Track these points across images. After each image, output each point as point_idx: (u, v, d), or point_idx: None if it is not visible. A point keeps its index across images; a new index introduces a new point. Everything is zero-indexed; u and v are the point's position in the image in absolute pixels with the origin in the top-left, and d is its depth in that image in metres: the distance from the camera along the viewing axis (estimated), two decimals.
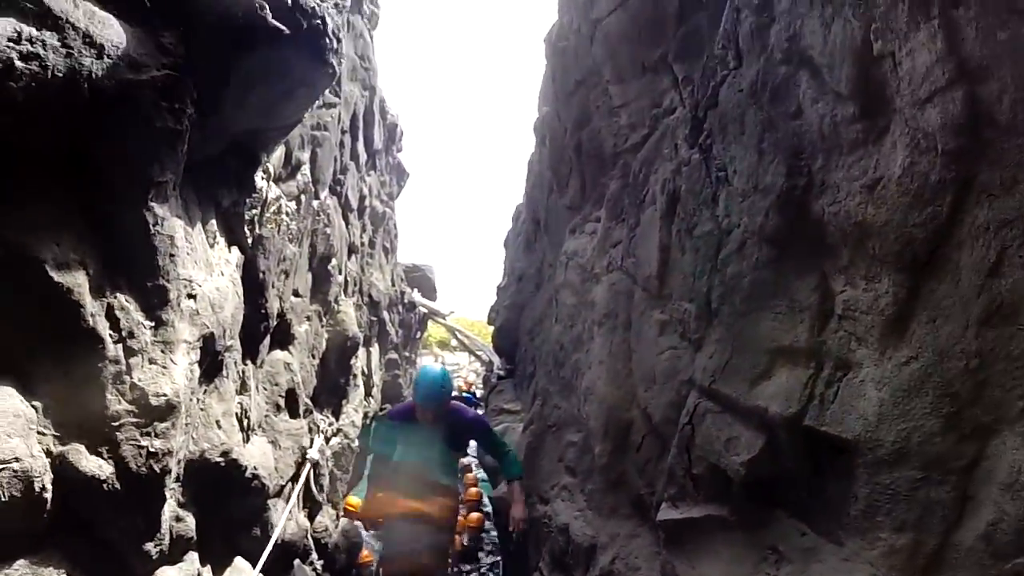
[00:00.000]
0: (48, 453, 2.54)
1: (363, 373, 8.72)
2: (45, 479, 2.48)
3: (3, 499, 2.28)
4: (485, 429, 5.45)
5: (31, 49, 2.22)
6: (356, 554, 6.86)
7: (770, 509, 3.00)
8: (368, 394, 9.20)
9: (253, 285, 4.43)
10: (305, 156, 5.32)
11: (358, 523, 7.12)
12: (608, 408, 4.58)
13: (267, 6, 2.96)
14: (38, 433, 2.51)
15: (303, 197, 5.29)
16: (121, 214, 2.85)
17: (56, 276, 2.53)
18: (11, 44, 2.16)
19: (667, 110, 4.35)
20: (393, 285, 12.74)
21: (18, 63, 2.19)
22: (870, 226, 2.42)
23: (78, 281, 2.62)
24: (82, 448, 2.65)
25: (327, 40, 3.45)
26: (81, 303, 2.62)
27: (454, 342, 22.20)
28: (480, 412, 8.74)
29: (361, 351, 8.84)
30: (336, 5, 3.52)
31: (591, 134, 5.73)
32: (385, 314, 10.12)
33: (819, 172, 2.70)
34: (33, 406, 2.53)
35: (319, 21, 3.34)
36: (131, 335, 2.84)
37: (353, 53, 7.07)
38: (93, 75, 2.45)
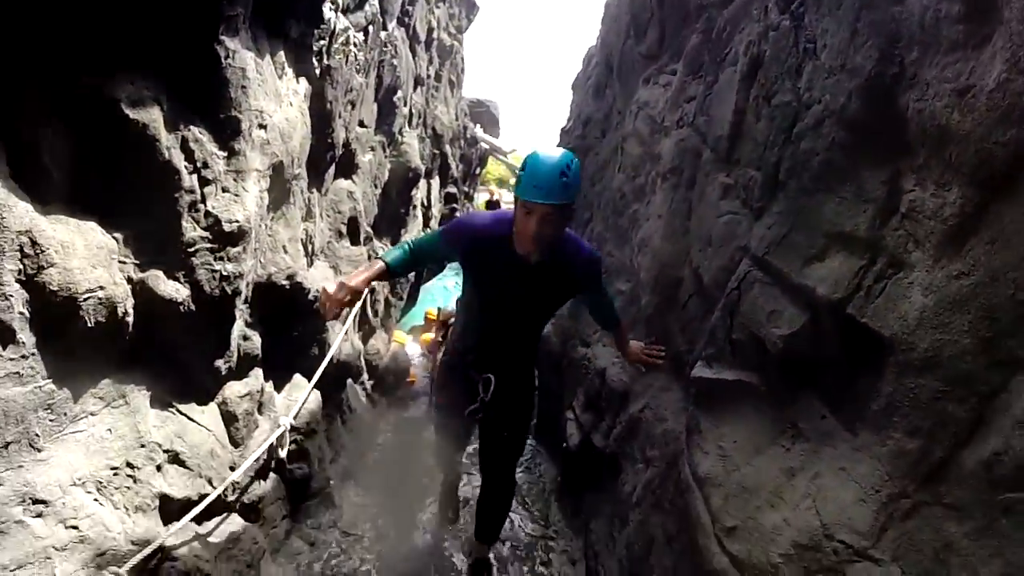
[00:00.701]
0: (129, 280, 2.77)
1: (423, 204, 8.91)
2: (127, 304, 2.73)
3: (89, 324, 2.52)
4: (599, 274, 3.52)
5: None
6: (404, 377, 7.39)
7: (799, 388, 3.06)
8: (427, 225, 9.45)
9: (320, 115, 4.49)
10: None
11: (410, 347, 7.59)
12: (661, 263, 4.61)
13: None
14: (119, 262, 2.73)
15: (371, 28, 5.18)
16: (193, 49, 2.89)
17: (132, 113, 2.64)
18: None
19: None
20: (457, 119, 12.65)
21: None
22: (953, 133, 2.31)
23: (153, 117, 2.72)
24: (160, 274, 2.89)
25: None
26: (157, 137, 2.74)
27: (512, 180, 22.11)
28: None
29: (422, 183, 9.00)
30: None
31: None
32: (448, 147, 10.13)
33: (912, 65, 2.53)
34: (114, 237, 2.73)
35: None
36: (205, 165, 2.99)
37: None
38: None
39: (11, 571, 2.15)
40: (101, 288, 2.54)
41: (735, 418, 3.37)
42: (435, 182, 9.78)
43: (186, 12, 2.81)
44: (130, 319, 2.76)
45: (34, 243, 2.24)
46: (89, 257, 2.52)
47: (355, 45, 4.81)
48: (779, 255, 3.20)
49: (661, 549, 3.71)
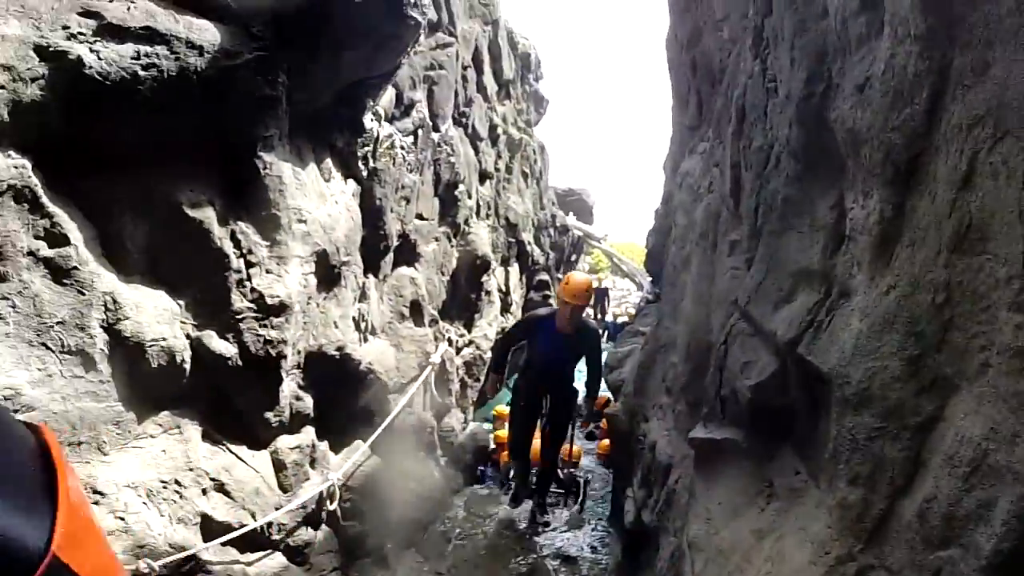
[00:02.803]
0: (188, 336, 3.43)
1: (499, 290, 9.44)
2: (185, 355, 3.38)
3: (154, 365, 3.20)
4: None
5: (149, 61, 3.04)
6: (482, 455, 7.60)
7: (778, 442, 2.94)
8: (506, 310, 9.94)
9: (371, 211, 5.16)
10: (419, 95, 5.92)
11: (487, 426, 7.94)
12: (692, 328, 4.55)
13: None
14: (180, 322, 3.41)
15: (420, 131, 5.94)
16: (238, 163, 3.65)
17: (191, 212, 3.42)
18: (134, 60, 2.98)
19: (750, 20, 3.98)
20: (542, 208, 13.33)
21: (141, 72, 3.02)
22: (859, 132, 2.26)
23: (208, 215, 3.49)
24: (213, 334, 3.53)
25: None
26: (211, 230, 3.49)
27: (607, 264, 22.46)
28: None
29: (499, 270, 9.56)
30: None
31: (703, 51, 5.50)
32: (525, 235, 10.73)
33: (836, 76, 2.49)
34: (178, 303, 3.43)
35: None
36: (250, 252, 3.65)
37: None
38: (198, 68, 3.22)
39: None
40: (164, 340, 3.26)
41: (724, 480, 3.26)
42: (513, 269, 10.34)
43: (230, 135, 3.58)
44: (187, 366, 3.41)
45: (115, 301, 3.04)
46: (156, 315, 3.25)
47: (403, 148, 5.51)
48: (756, 303, 3.15)
49: None
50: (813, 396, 2.56)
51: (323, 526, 4.30)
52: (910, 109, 1.94)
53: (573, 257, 17.79)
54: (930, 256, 1.86)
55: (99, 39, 2.89)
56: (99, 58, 2.87)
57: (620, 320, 16.56)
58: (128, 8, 3.01)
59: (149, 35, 3.05)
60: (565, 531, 6.29)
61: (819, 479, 2.46)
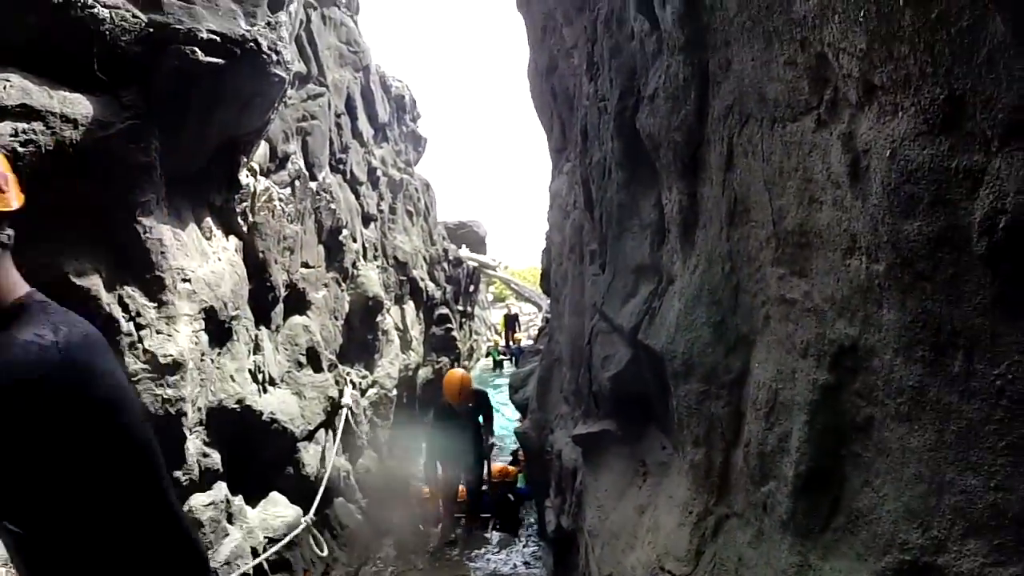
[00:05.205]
0: None
1: (396, 328, 9.59)
2: None
3: None
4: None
5: (27, 137, 3.13)
6: (402, 494, 7.56)
7: (644, 423, 3.22)
8: (407, 347, 10.08)
9: (255, 264, 5.26)
10: (293, 147, 6.10)
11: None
12: (572, 338, 4.87)
13: (198, 50, 3.67)
14: None
15: (297, 182, 6.11)
16: (119, 229, 3.72)
17: (78, 280, 3.46)
18: (12, 138, 3.07)
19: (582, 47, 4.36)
20: (433, 244, 13.58)
21: (20, 148, 3.11)
22: (655, 136, 2.55)
23: (94, 282, 3.54)
24: None
25: (264, 56, 4.12)
26: (99, 297, 3.54)
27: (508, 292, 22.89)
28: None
29: (394, 309, 9.71)
30: (269, 24, 4.18)
31: (559, 78, 5.87)
32: (416, 272, 10.93)
33: (643, 90, 2.77)
34: None
35: (252, 44, 3.99)
36: (139, 314, 3.71)
37: (337, 41, 7.77)
38: (73, 141, 3.31)
39: None
40: None
41: (606, 469, 3.50)
42: (408, 306, 10.52)
43: (109, 203, 3.65)
44: None
45: None
46: None
47: (280, 200, 5.66)
48: (608, 302, 3.45)
49: None
50: (660, 376, 2.78)
51: None
52: (684, 110, 2.27)
53: (471, 288, 18.08)
54: (715, 233, 2.18)
55: None
56: None
57: (524, 344, 16.94)
58: (4, 87, 3.08)
59: (26, 112, 3.13)
60: (498, 552, 6.50)
61: (678, 449, 2.70)
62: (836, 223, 1.49)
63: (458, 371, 7.73)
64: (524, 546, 6.65)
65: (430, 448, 7.26)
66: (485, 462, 7.37)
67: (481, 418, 7.33)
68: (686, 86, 2.25)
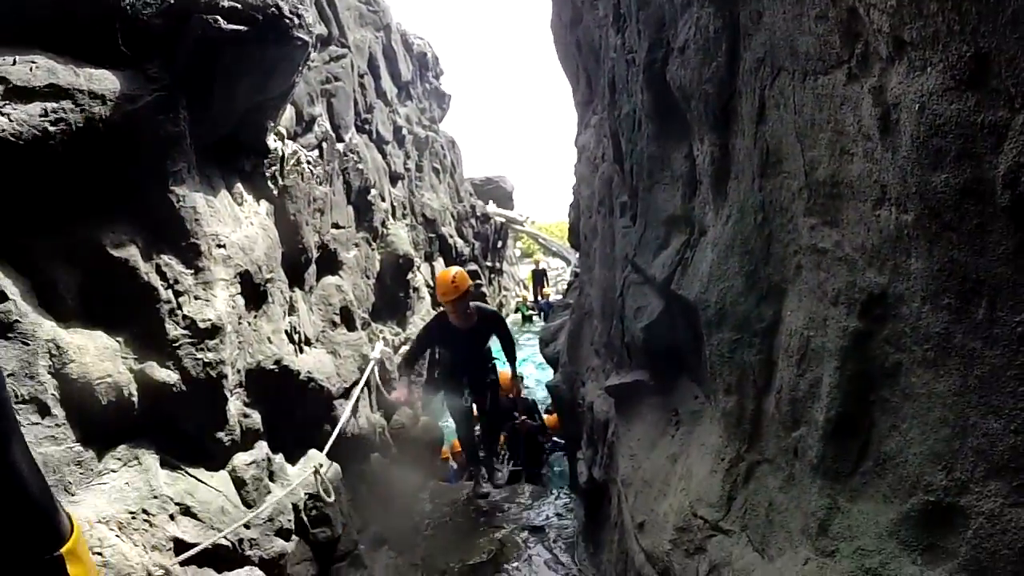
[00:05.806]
0: (130, 370, 3.58)
1: (427, 285, 9.70)
2: (131, 387, 3.54)
3: (103, 402, 3.36)
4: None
5: (57, 116, 3.19)
6: (437, 448, 7.93)
7: (677, 373, 3.25)
8: (437, 304, 10.20)
9: (287, 227, 5.35)
10: (319, 109, 6.13)
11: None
12: (603, 291, 4.86)
13: (220, 19, 3.68)
14: (122, 357, 3.56)
15: (324, 144, 6.15)
16: (153, 200, 3.80)
17: (115, 252, 3.58)
18: (43, 118, 3.15)
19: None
20: (460, 201, 13.61)
21: (51, 128, 3.18)
22: (686, 88, 2.57)
23: (132, 253, 3.65)
24: (154, 363, 3.68)
25: (286, 20, 4.12)
26: (136, 267, 3.65)
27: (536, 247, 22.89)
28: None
29: (424, 266, 9.81)
30: None
31: (584, 30, 5.80)
32: (445, 229, 10.99)
33: (672, 42, 2.77)
34: (117, 340, 3.58)
35: (273, 8, 3.99)
36: (176, 281, 3.82)
37: (356, 1, 7.74)
38: (102, 116, 3.37)
39: None
40: (109, 376, 3.41)
41: (639, 419, 3.55)
42: (438, 263, 10.62)
43: (142, 175, 3.74)
44: (135, 399, 3.57)
45: (58, 347, 3.17)
46: (98, 354, 3.40)
47: (309, 162, 5.72)
48: (640, 253, 3.45)
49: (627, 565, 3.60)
50: (693, 326, 2.84)
51: (293, 536, 4.49)
52: (715, 62, 2.29)
53: (499, 244, 18.13)
54: (748, 184, 2.22)
55: (7, 102, 3.04)
56: (10, 120, 3.02)
57: (552, 299, 17.01)
58: (31, 68, 3.15)
59: (54, 92, 3.20)
60: (530, 504, 6.63)
61: (710, 397, 2.75)
62: (867, 174, 1.51)
63: (451, 268, 6.45)
64: (556, 498, 6.79)
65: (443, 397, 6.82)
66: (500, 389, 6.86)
67: (499, 340, 6.43)
68: (717, 38, 2.26)
